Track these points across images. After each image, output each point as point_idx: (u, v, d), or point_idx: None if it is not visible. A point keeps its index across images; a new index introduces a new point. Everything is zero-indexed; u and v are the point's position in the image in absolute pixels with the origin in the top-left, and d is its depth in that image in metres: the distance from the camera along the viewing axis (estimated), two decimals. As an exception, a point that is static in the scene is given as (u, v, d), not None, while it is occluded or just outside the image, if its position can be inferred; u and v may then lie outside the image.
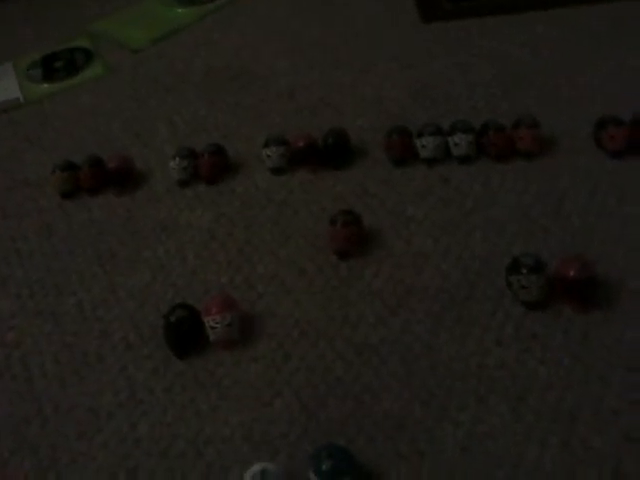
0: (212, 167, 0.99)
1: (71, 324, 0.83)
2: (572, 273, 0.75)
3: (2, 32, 1.48)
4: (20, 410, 0.75)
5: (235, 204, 0.95)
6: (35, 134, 1.15)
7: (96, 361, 0.79)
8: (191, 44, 1.30)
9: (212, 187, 0.98)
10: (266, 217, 0.92)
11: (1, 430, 0.74)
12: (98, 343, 0.81)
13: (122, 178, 1.00)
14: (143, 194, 0.99)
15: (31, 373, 0.79)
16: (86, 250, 0.92)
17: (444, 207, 0.90)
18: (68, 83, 1.26)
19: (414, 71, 1.13)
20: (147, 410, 0.73)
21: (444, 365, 0.72)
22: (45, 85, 1.27)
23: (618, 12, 1.18)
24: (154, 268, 0.88)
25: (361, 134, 1.01)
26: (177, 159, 0.98)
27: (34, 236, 0.96)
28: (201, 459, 0.68)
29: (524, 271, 0.75)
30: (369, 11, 1.30)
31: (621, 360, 0.70)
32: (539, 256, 0.77)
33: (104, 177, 1.00)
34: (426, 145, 0.94)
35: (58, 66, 1.31)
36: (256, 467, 0.64)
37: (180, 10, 1.39)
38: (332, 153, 0.97)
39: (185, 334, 0.78)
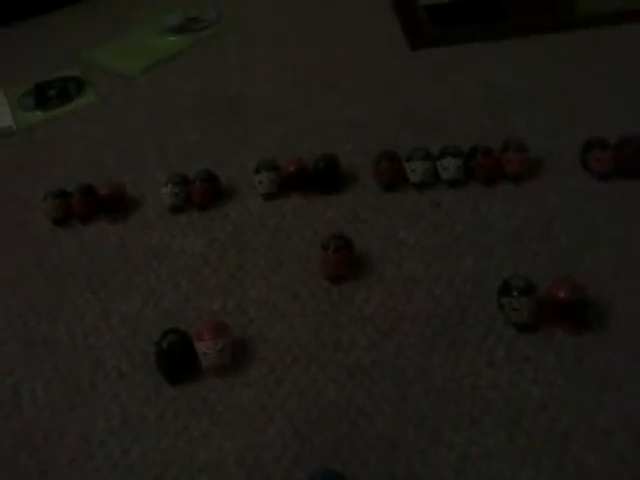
0: (204, 193, 0.99)
1: (63, 352, 0.83)
2: (562, 295, 0.75)
3: (-5, 61, 1.49)
4: (10, 438, 0.74)
5: (227, 229, 0.96)
6: (27, 161, 1.15)
7: (88, 388, 0.78)
8: (182, 71, 1.32)
9: (204, 213, 0.99)
10: (258, 242, 0.93)
11: (-9, 459, 0.73)
12: (90, 371, 0.80)
13: (114, 205, 1.00)
14: (135, 221, 1.00)
15: (22, 400, 0.78)
16: (78, 277, 0.92)
17: (435, 231, 0.90)
18: (61, 111, 1.27)
19: (402, 96, 1.15)
20: (139, 437, 0.73)
21: (437, 388, 0.73)
22: (38, 113, 1.28)
23: (600, 37, 1.21)
24: (146, 294, 0.88)
25: (351, 159, 1.02)
26: (169, 186, 0.99)
27: (26, 263, 0.96)
28: (194, 486, 0.68)
29: (515, 293, 0.76)
30: (357, 37, 1.33)
31: (613, 381, 0.71)
32: (529, 278, 0.78)
33: (96, 204, 1.00)
34: (415, 169, 0.95)
35: (51, 94, 1.32)
36: (250, 493, 0.64)
37: (172, 38, 1.42)
38: (323, 178, 0.98)
39: (177, 360, 0.78)
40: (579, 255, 0.84)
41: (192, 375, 0.77)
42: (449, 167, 0.95)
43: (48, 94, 1.32)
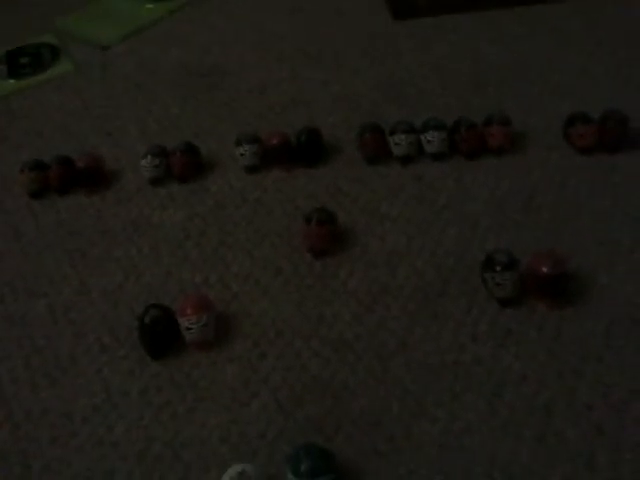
0: (184, 165, 0.98)
1: (42, 327, 0.82)
2: (544, 269, 0.76)
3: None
4: (-10, 416, 0.74)
5: (208, 203, 0.95)
6: (1, 132, 1.12)
7: (69, 364, 0.77)
8: (161, 40, 1.29)
9: (185, 186, 0.97)
10: (240, 216, 0.92)
11: (-29, 437, 0.72)
12: (71, 346, 0.79)
13: (92, 177, 0.98)
14: (114, 193, 0.98)
15: (0, 378, 0.77)
16: (56, 251, 0.91)
17: (418, 204, 0.90)
18: (35, 80, 1.23)
19: (385, 68, 1.14)
20: (123, 413, 0.72)
21: (419, 362, 0.73)
22: (11, 81, 1.24)
23: (587, 10, 1.20)
24: (126, 268, 0.87)
25: (334, 131, 1.01)
26: (148, 157, 0.97)
27: (2, 238, 0.94)
28: (178, 461, 0.68)
29: (498, 268, 0.76)
30: (339, 7, 1.30)
31: (594, 353, 0.72)
32: (512, 253, 0.78)
33: (73, 177, 0.98)
34: (399, 143, 0.94)
35: (24, 62, 1.28)
36: (234, 468, 0.64)
37: (149, 5, 1.38)
38: (305, 151, 0.97)
39: (160, 335, 0.77)
40: (561, 228, 0.85)
41: (175, 350, 0.77)
42: (433, 141, 0.94)
43: (20, 61, 1.28)
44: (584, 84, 1.04)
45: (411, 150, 0.95)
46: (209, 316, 0.76)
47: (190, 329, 0.75)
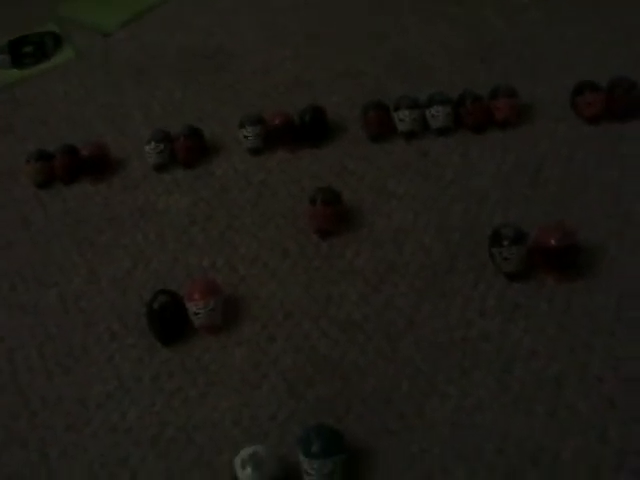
0: (189, 150, 0.97)
1: (54, 316, 0.82)
2: (553, 242, 0.75)
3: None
4: (7, 404, 0.75)
5: (214, 187, 0.94)
6: (6, 122, 1.12)
7: (81, 352, 0.78)
8: (162, 25, 1.28)
9: (189, 171, 0.97)
10: (245, 199, 0.92)
11: (-11, 425, 0.73)
12: (82, 334, 0.80)
13: (97, 165, 0.98)
14: (119, 180, 0.98)
15: (16, 367, 0.78)
16: (64, 240, 0.91)
17: (424, 181, 0.89)
18: (38, 68, 1.23)
19: (389, 43, 1.12)
20: (135, 399, 0.73)
21: (428, 340, 0.73)
22: (14, 71, 1.24)
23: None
24: (134, 255, 0.87)
25: (338, 110, 1.00)
26: (152, 143, 0.97)
27: (10, 228, 0.94)
28: (191, 445, 0.68)
29: (505, 243, 0.75)
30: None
31: (605, 326, 0.71)
32: (519, 227, 0.77)
33: (79, 165, 0.98)
34: (403, 119, 0.93)
35: (27, 51, 1.28)
36: (246, 450, 0.64)
37: (149, -11, 1.36)
38: (309, 131, 0.96)
39: (169, 320, 0.77)
40: (570, 201, 0.84)
41: (185, 335, 0.77)
42: (438, 115, 0.93)
43: (24, 51, 1.28)
44: (591, 53, 1.02)
45: (415, 126, 0.94)
46: (217, 300, 0.76)
47: (198, 314, 0.76)
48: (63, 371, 0.77)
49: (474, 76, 1.02)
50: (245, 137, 0.96)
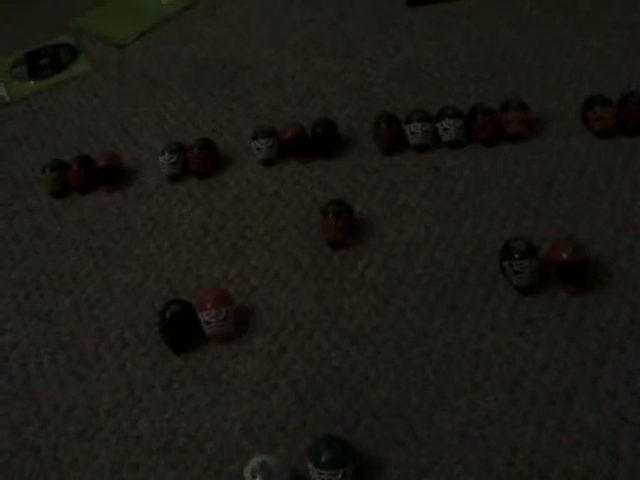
0: (202, 161, 0.98)
1: (67, 324, 0.83)
2: (564, 256, 0.75)
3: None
4: (20, 411, 0.76)
5: (227, 198, 0.95)
6: (22, 133, 1.14)
7: (94, 360, 0.79)
8: (176, 36, 1.29)
9: (203, 181, 0.98)
10: (258, 209, 0.92)
11: (2, 431, 0.74)
12: (95, 342, 0.81)
13: (112, 176, 0.99)
14: (133, 191, 0.99)
15: (29, 374, 0.79)
16: (79, 249, 0.92)
17: (435, 194, 0.90)
18: (54, 80, 1.25)
19: (400, 56, 1.13)
20: (146, 407, 0.73)
21: (439, 352, 0.73)
22: (31, 83, 1.26)
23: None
24: (147, 264, 0.88)
25: (349, 122, 1.01)
26: (166, 154, 0.98)
27: (26, 237, 0.95)
28: (201, 454, 0.69)
29: (516, 256, 0.76)
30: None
31: (616, 341, 0.71)
32: (530, 240, 0.77)
33: (94, 176, 0.99)
34: (415, 132, 0.94)
35: (44, 63, 1.29)
36: (256, 460, 0.65)
37: (163, 2, 1.38)
38: (321, 143, 0.97)
39: (181, 329, 0.78)
40: (580, 214, 0.84)
41: (197, 344, 0.78)
42: (449, 128, 0.93)
43: (40, 63, 1.29)
44: (602, 68, 1.02)
45: (427, 139, 0.94)
46: (228, 310, 0.77)
47: (210, 323, 0.76)
48: (76, 378, 0.78)
49: (485, 89, 1.02)
50: (258, 149, 0.97)
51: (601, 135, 0.92)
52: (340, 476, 0.62)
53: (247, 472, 0.64)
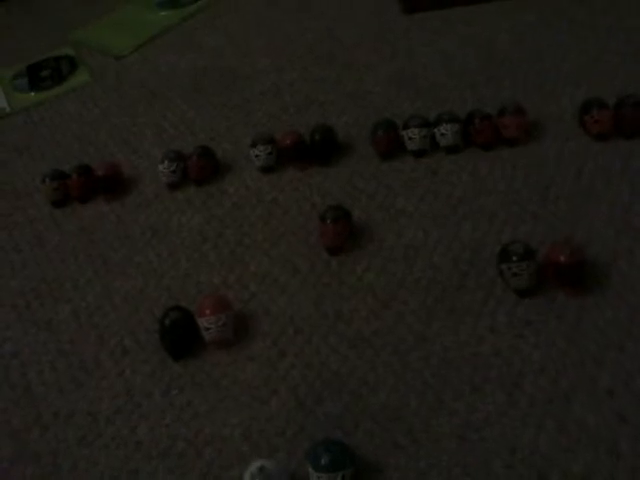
0: (201, 169, 0.99)
1: (67, 332, 0.84)
2: (562, 258, 0.75)
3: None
4: (20, 418, 0.76)
5: (225, 205, 0.96)
6: (23, 143, 1.15)
7: (94, 367, 0.79)
8: (174, 47, 1.30)
9: (202, 189, 0.99)
10: (257, 216, 0.93)
11: (2, 438, 0.74)
12: (95, 349, 0.81)
13: (111, 185, 1.00)
14: (133, 199, 0.99)
15: (29, 381, 0.79)
16: (79, 258, 0.92)
17: (433, 198, 0.90)
18: (55, 91, 1.26)
19: (397, 62, 1.14)
20: (146, 413, 0.73)
21: (438, 355, 0.73)
22: (32, 94, 1.27)
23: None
24: (147, 272, 0.89)
25: (347, 129, 1.02)
26: (165, 162, 0.99)
27: (26, 246, 0.96)
28: (201, 459, 0.69)
29: (514, 259, 0.76)
30: (349, 3, 1.31)
31: (615, 341, 0.71)
32: (528, 243, 0.78)
33: (93, 185, 1.00)
34: (412, 137, 0.94)
35: (44, 75, 1.31)
36: (255, 464, 0.64)
37: (162, 13, 1.40)
38: (319, 150, 0.98)
39: (180, 336, 0.78)
40: (578, 217, 0.84)
41: (196, 350, 0.78)
42: (447, 134, 0.94)
43: (41, 75, 1.31)
44: (598, 72, 1.03)
45: (425, 144, 0.95)
46: (227, 316, 0.77)
47: (209, 329, 0.76)
48: (75, 385, 0.78)
49: (482, 94, 1.03)
50: (256, 156, 0.98)
51: (598, 138, 0.92)
52: (339, 479, 0.62)
53: (246, 477, 0.64)
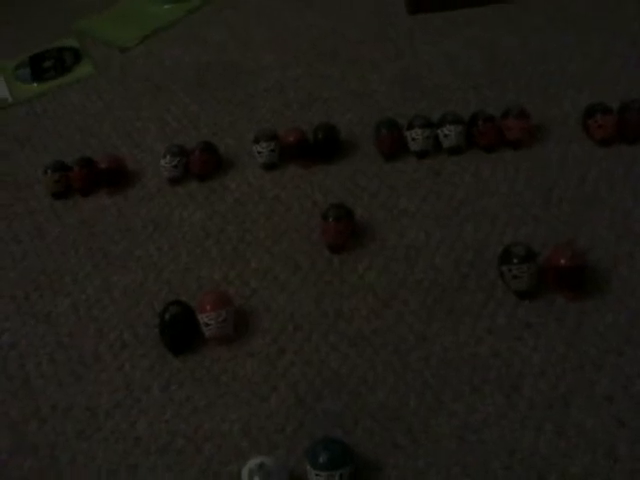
0: (203, 164, 0.99)
1: (66, 324, 0.83)
2: (563, 261, 0.76)
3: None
4: (18, 411, 0.76)
5: (227, 200, 0.96)
6: (25, 134, 1.14)
7: (93, 361, 0.79)
8: (179, 41, 1.30)
9: (204, 184, 0.98)
10: (259, 213, 0.93)
11: (0, 431, 0.74)
12: (94, 343, 0.81)
13: (113, 178, 1.00)
14: (135, 193, 0.99)
15: (28, 374, 0.79)
16: (79, 250, 0.92)
17: (436, 199, 0.90)
18: (58, 82, 1.25)
19: (402, 62, 1.13)
20: (145, 408, 0.73)
21: (438, 356, 0.73)
22: (34, 85, 1.26)
23: (604, 0, 1.18)
24: (147, 266, 0.88)
25: (350, 128, 1.02)
26: (168, 157, 0.99)
27: (26, 237, 0.96)
28: (200, 455, 0.69)
29: (515, 260, 0.76)
30: (354, 3, 1.30)
31: (614, 345, 0.71)
32: (530, 245, 0.78)
33: (95, 177, 1.00)
34: (416, 138, 0.94)
35: (47, 66, 1.30)
36: (254, 461, 0.65)
37: (166, 6, 1.39)
38: (322, 148, 0.98)
39: (180, 331, 0.78)
40: (580, 221, 0.84)
41: (196, 346, 0.78)
42: (450, 135, 0.94)
43: (44, 65, 1.30)
44: (602, 75, 1.03)
45: (428, 145, 0.95)
46: (227, 312, 0.77)
47: (209, 325, 0.76)
48: (74, 379, 0.78)
49: (486, 96, 1.03)
50: (259, 152, 0.98)
51: (602, 143, 0.92)
52: (338, 478, 0.62)
53: (245, 473, 0.64)
